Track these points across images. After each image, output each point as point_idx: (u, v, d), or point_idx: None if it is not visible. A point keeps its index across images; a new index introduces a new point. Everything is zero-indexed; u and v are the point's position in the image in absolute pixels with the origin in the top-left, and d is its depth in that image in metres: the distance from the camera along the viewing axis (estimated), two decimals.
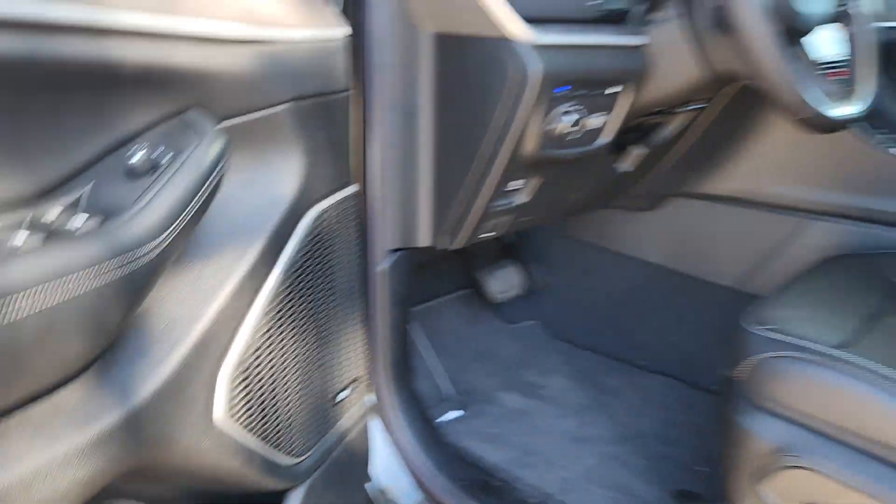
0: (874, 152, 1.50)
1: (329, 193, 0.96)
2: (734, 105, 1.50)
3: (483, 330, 1.92)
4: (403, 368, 1.39)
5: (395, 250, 1.29)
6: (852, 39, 1.28)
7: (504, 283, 1.88)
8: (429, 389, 1.67)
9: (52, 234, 0.62)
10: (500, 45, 1.09)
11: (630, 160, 1.48)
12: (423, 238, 1.30)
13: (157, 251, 0.68)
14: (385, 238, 1.26)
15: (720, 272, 1.71)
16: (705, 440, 1.57)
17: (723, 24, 1.15)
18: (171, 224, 0.69)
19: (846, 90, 1.24)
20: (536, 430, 1.59)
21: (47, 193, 0.65)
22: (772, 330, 1.12)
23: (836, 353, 1.06)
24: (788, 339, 1.09)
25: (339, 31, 0.91)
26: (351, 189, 1.00)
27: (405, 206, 1.25)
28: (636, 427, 1.61)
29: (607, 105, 1.23)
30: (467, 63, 1.15)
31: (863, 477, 1.00)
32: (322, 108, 0.90)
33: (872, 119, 1.66)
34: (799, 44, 1.20)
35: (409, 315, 1.38)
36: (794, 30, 1.14)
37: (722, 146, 1.63)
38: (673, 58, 1.22)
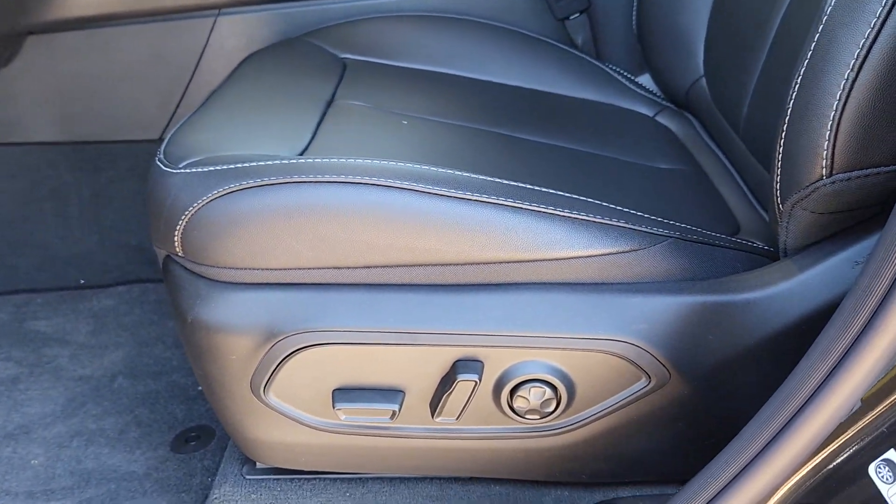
0: None
1: None
2: None
3: None
4: None
5: None
6: None
7: None
8: None
9: None
10: None
11: None
12: None
13: None
14: None
15: (136, 123, 1.22)
16: None
17: None
18: None
19: None
20: None
21: None
22: (199, 163, 0.68)
23: (299, 162, 0.67)
24: (228, 167, 0.67)
25: None
26: None
27: None
28: (99, 374, 1.10)
29: None
30: None
31: (370, 315, 0.66)
32: None
33: None
34: None
35: None
36: None
37: None
38: None
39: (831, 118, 0.56)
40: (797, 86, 0.60)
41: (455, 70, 1.06)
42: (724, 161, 0.96)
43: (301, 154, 0.73)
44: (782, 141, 0.62)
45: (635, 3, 1.11)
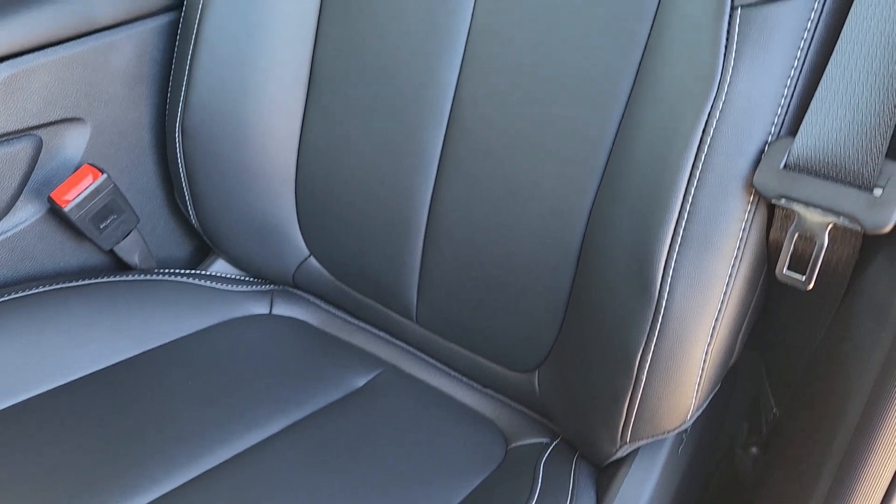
0: None
1: None
2: None
3: None
4: None
5: None
6: None
7: None
8: None
9: None
10: None
11: None
12: None
13: None
14: None
15: None
16: None
17: None
18: None
19: None
20: None
21: None
22: None
23: None
24: None
25: None
26: None
27: None
28: None
29: None
30: None
31: None
32: None
33: None
34: None
35: None
36: None
37: None
38: None
39: (701, 368, 0.66)
40: (654, 344, 0.63)
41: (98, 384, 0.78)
42: (386, 338, 0.95)
43: None
44: (640, 394, 0.66)
45: (189, 201, 0.94)
